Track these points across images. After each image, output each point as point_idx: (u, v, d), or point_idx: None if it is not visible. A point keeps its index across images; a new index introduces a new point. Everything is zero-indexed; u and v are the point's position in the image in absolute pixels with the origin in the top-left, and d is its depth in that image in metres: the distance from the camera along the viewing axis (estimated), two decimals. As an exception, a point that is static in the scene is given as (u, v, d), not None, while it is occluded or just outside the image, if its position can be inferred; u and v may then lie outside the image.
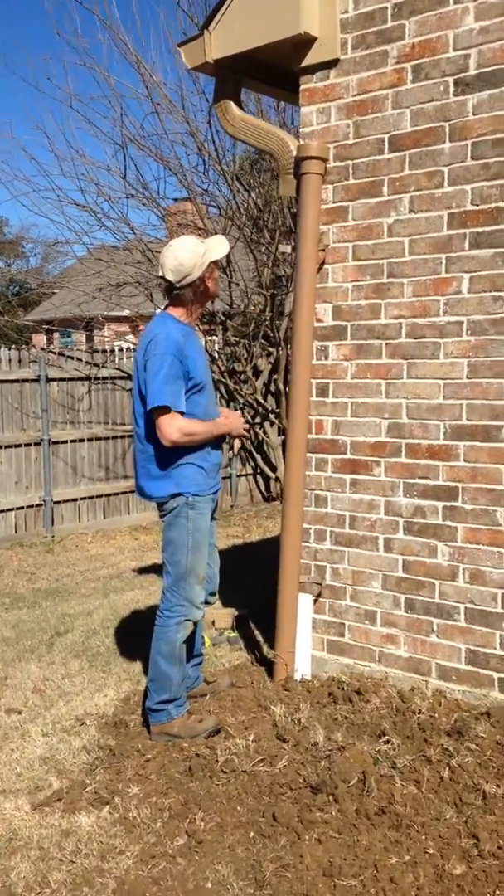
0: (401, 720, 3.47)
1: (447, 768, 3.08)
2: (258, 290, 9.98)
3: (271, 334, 10.50)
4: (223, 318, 10.77)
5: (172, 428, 3.35)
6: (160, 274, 3.49)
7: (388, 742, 3.28)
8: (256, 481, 11.96)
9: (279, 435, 10.75)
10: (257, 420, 10.68)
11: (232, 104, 4.16)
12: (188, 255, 3.43)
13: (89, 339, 17.35)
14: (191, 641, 3.76)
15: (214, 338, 11.14)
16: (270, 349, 10.53)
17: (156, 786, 3.23)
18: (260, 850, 2.79)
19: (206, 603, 3.81)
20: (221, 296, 10.63)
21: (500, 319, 3.52)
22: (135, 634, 5.16)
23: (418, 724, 3.42)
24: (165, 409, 3.34)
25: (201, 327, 11.72)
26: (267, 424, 10.63)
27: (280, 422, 10.48)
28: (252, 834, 2.88)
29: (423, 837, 2.74)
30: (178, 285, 3.46)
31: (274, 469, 10.74)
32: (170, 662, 3.59)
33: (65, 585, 7.30)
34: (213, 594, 3.91)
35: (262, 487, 11.33)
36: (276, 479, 10.81)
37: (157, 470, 3.52)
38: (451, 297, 3.66)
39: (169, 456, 3.49)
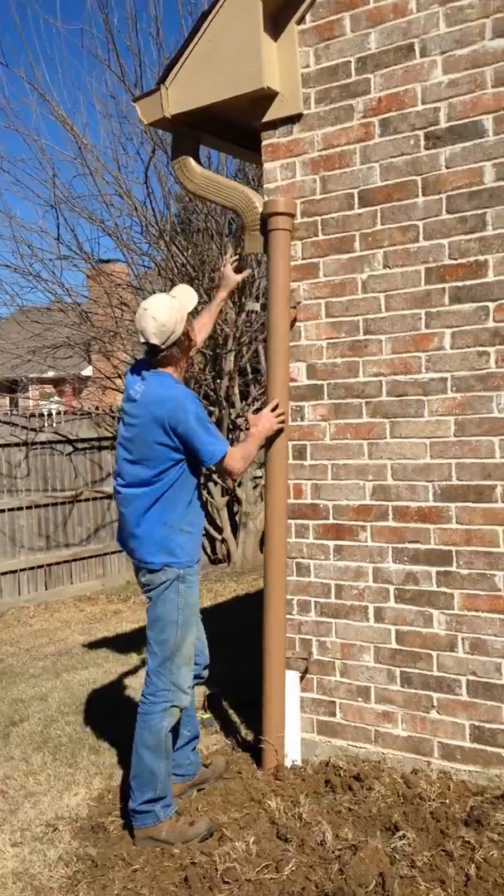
0: (411, 810, 3.21)
1: (472, 864, 2.83)
2: (197, 350, 9.82)
3: (212, 394, 10.34)
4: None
5: (235, 461, 3.34)
6: (142, 340, 3.32)
7: (402, 837, 3.01)
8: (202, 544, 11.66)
9: (223, 495, 10.52)
10: (200, 480, 10.44)
11: (191, 160, 4.01)
12: (167, 313, 3.26)
13: (14, 402, 16.90)
14: (180, 723, 3.45)
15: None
16: (211, 408, 10.36)
17: (149, 904, 2.88)
18: None
19: (199, 678, 3.57)
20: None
21: (487, 375, 3.40)
22: (98, 721, 4.78)
23: (431, 814, 3.16)
24: (224, 457, 3.30)
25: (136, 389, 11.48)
26: (211, 484, 10.40)
27: (223, 481, 10.26)
28: None
29: None
30: (163, 347, 3.29)
31: (220, 530, 10.47)
32: (155, 755, 3.27)
33: (11, 666, 6.82)
34: (205, 668, 3.65)
35: (208, 549, 11.02)
36: (222, 540, 10.54)
37: (147, 533, 3.31)
38: (434, 353, 3.53)
39: (161, 520, 3.29)
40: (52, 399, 18.37)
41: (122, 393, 11.57)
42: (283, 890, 2.83)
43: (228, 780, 3.66)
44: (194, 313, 3.53)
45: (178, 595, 3.30)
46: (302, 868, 2.93)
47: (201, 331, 3.87)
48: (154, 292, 10.20)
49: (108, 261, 11.30)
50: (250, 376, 10.69)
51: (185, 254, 9.91)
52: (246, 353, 10.07)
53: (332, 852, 3.00)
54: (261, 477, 10.63)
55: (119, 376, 10.70)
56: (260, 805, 3.40)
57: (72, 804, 3.68)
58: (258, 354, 10.34)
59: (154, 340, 3.27)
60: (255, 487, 10.57)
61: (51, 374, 17.81)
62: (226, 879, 2.90)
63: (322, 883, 2.83)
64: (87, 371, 16.60)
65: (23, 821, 3.56)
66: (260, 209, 3.80)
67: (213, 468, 3.36)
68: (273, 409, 3.69)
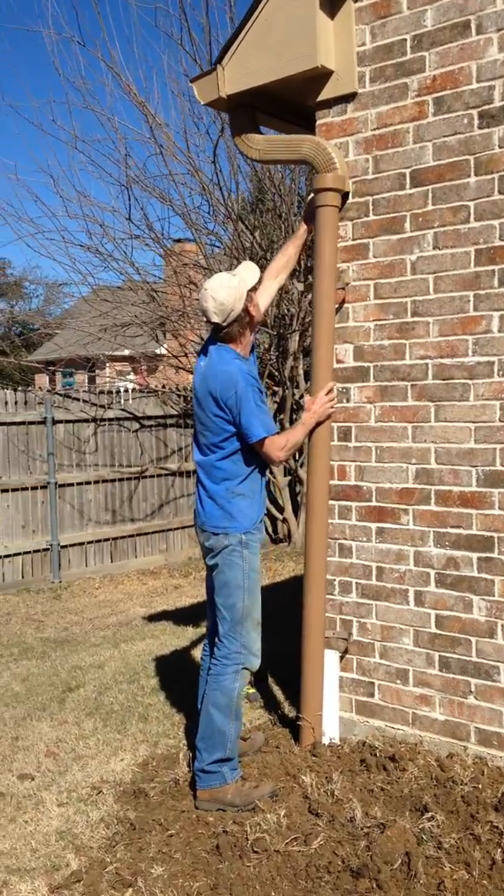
0: (443, 792, 3.22)
1: (499, 849, 2.83)
2: (263, 330, 9.84)
3: (276, 374, 10.36)
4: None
5: (276, 449, 3.40)
6: (205, 320, 3.45)
7: (431, 818, 3.03)
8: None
9: (285, 475, 10.56)
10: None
11: (252, 134, 4.02)
12: (226, 292, 3.35)
13: (91, 379, 17.25)
14: None
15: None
16: (276, 388, 10.39)
17: (181, 866, 2.98)
18: None
19: None
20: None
21: (535, 359, 3.34)
22: (149, 690, 4.92)
23: (462, 797, 3.17)
24: (264, 439, 3.36)
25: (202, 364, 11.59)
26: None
27: (287, 462, 10.29)
28: (289, 927, 2.63)
29: (480, 932, 2.49)
30: (224, 324, 3.39)
31: (281, 510, 10.53)
32: (225, 715, 3.38)
33: (74, 634, 7.05)
34: None
35: (269, 529, 11.09)
36: (283, 520, 10.60)
37: (210, 499, 3.46)
38: (481, 336, 3.48)
39: (224, 488, 3.43)
40: (126, 377, 18.68)
41: (191, 373, 11.69)
42: (309, 863, 2.88)
43: (266, 753, 3.73)
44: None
45: (243, 560, 3.42)
46: (330, 843, 2.98)
47: (283, 269, 3.90)
48: (220, 272, 10.26)
49: (180, 240, 11.41)
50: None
51: (254, 234, 9.92)
52: (310, 334, 10.04)
53: (361, 829, 3.04)
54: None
55: (185, 355, 10.82)
56: (294, 780, 3.46)
57: (117, 769, 3.81)
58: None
59: (215, 319, 3.38)
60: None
61: (126, 352, 18.11)
62: (255, 849, 2.97)
63: (348, 858, 2.88)
64: (162, 350, 16.85)
65: (70, 782, 3.71)
66: (331, 152, 3.73)
67: (258, 450, 3.42)
68: (327, 393, 3.71)
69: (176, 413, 10.39)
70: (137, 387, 11.40)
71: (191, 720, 4.35)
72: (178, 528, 10.47)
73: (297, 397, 10.27)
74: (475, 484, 3.52)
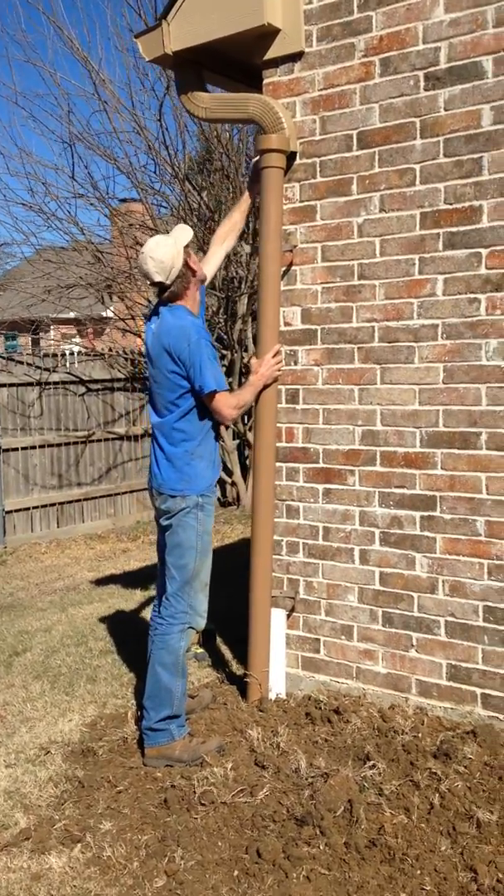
0: (384, 742, 3.33)
1: (437, 794, 2.95)
2: (211, 292, 9.79)
3: (225, 337, 10.34)
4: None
5: (228, 407, 3.42)
6: (150, 282, 3.49)
7: (373, 767, 3.13)
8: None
9: (234, 439, 10.59)
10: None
11: (198, 92, 3.97)
12: (162, 250, 3.40)
13: (35, 342, 16.96)
14: None
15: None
16: (224, 352, 10.37)
17: (130, 821, 3.03)
18: (245, 891, 2.61)
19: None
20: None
21: (477, 322, 3.41)
22: (97, 653, 4.95)
23: (402, 746, 3.28)
24: (214, 393, 3.36)
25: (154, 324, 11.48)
26: (222, 428, 10.45)
27: (235, 425, 10.32)
28: (236, 872, 2.70)
29: (419, 872, 2.60)
30: (169, 282, 3.42)
31: (230, 474, 10.57)
32: (172, 673, 3.44)
33: (20, 599, 7.02)
34: None
35: (218, 492, 11.13)
36: (232, 483, 10.65)
37: (166, 461, 3.48)
38: (426, 299, 3.53)
39: (182, 450, 3.46)
40: (72, 340, 18.41)
41: (138, 336, 11.55)
42: (255, 813, 2.96)
43: (214, 710, 3.80)
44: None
45: (198, 522, 3.46)
46: (275, 793, 3.06)
47: (229, 233, 3.96)
48: (167, 233, 10.14)
49: (125, 200, 11.23)
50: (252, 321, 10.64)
51: (201, 195, 9.81)
52: (242, 301, 10.00)
53: (305, 779, 3.13)
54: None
55: (133, 318, 10.72)
56: (241, 734, 3.53)
57: (65, 729, 3.84)
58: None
59: (158, 278, 3.43)
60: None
61: (72, 314, 17.83)
62: (202, 802, 3.04)
63: (293, 807, 2.96)
64: (109, 313, 16.62)
65: (18, 744, 3.73)
66: (279, 111, 3.72)
67: (208, 404, 3.43)
68: (274, 356, 3.73)
69: (123, 377, 10.31)
70: (84, 350, 11.25)
71: (139, 681, 4.40)
72: (125, 493, 10.45)
73: (245, 360, 10.26)
74: (419, 445, 3.59)
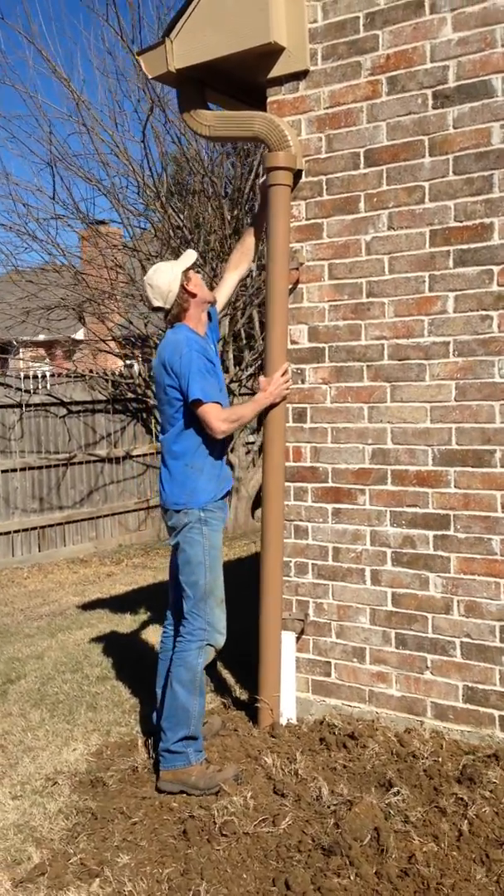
0: (405, 767, 3.26)
1: (465, 820, 2.88)
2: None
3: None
4: (157, 342, 10.51)
5: (217, 420, 3.37)
6: (149, 307, 3.62)
7: (397, 793, 3.05)
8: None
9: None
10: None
11: (201, 110, 3.94)
12: (158, 276, 3.50)
13: (3, 363, 16.76)
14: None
15: (133, 365, 10.84)
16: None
17: (148, 853, 2.93)
18: (276, 927, 2.52)
19: None
20: (156, 320, 10.38)
21: (489, 339, 3.39)
22: (94, 679, 4.83)
23: (424, 771, 3.21)
24: (200, 403, 3.34)
25: (135, 353, 11.44)
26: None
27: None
28: (265, 908, 2.61)
29: (456, 902, 2.53)
30: (168, 306, 3.50)
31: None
32: (190, 692, 3.37)
33: (6, 625, 6.85)
34: None
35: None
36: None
37: (169, 476, 3.49)
38: (436, 316, 3.51)
39: (182, 464, 3.45)
40: (44, 362, 18.24)
41: (118, 357, 11.43)
42: (280, 843, 2.87)
43: (225, 737, 3.70)
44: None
45: (203, 537, 3.43)
46: (298, 822, 2.97)
47: (242, 258, 3.98)
48: (149, 254, 10.14)
49: (102, 222, 11.19)
50: (244, 342, 10.64)
51: (181, 216, 9.80)
52: (241, 318, 10.01)
53: (328, 807, 3.05)
54: (253, 442, 10.64)
55: (113, 339, 10.64)
56: (256, 761, 3.44)
57: (70, 759, 3.72)
58: (252, 320, 10.28)
59: (156, 303, 3.53)
60: (247, 453, 10.58)
61: (41, 337, 17.65)
62: (224, 832, 2.94)
63: (318, 836, 2.88)
64: (79, 334, 16.49)
65: (22, 775, 3.60)
66: (284, 129, 3.70)
67: (199, 416, 3.39)
68: (282, 375, 3.71)
69: (104, 398, 10.20)
70: (60, 372, 11.13)
71: (142, 707, 4.29)
72: (107, 515, 10.31)
73: (226, 382, 10.22)
74: (431, 463, 3.56)
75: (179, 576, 3.48)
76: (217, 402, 3.38)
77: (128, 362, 12.27)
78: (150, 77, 3.97)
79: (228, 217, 9.63)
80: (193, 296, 3.50)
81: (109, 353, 11.43)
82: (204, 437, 3.44)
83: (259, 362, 10.68)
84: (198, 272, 3.57)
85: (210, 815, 3.04)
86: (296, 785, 3.22)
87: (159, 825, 3.09)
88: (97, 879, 2.80)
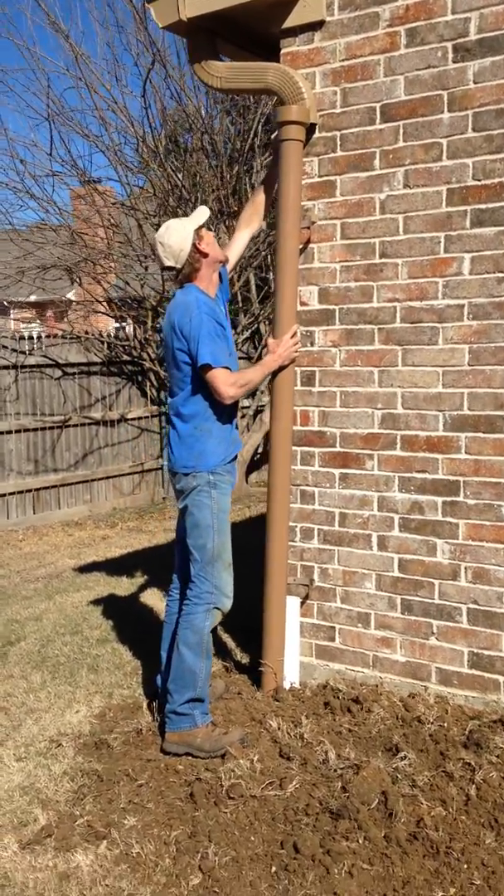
0: (411, 732, 3.26)
1: (472, 785, 2.88)
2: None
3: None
4: (154, 304, 10.38)
5: (225, 384, 3.30)
6: (161, 267, 3.50)
7: (403, 758, 3.05)
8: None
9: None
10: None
11: (212, 61, 3.81)
12: (170, 234, 3.40)
13: (-5, 323, 16.57)
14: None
15: (126, 325, 10.71)
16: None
17: (155, 815, 2.92)
18: (287, 888, 2.52)
19: None
20: (152, 281, 10.24)
21: (505, 303, 3.33)
22: (94, 641, 4.81)
23: (430, 736, 3.21)
24: (209, 368, 3.27)
25: (129, 314, 11.30)
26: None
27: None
28: (274, 868, 2.61)
29: (466, 867, 2.52)
30: (179, 266, 3.40)
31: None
32: (196, 654, 3.35)
33: (3, 587, 6.82)
34: None
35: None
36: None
37: (178, 439, 3.44)
38: (451, 278, 3.44)
39: (192, 426, 3.41)
40: (31, 323, 18.02)
41: (112, 318, 11.28)
42: (287, 806, 2.87)
43: (229, 700, 3.69)
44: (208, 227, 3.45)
45: (212, 500, 3.39)
46: (305, 786, 2.97)
47: (253, 216, 3.88)
48: (147, 213, 9.97)
49: (97, 180, 10.97)
50: (240, 305, 10.51)
51: (178, 175, 9.62)
52: (237, 282, 9.87)
53: (335, 771, 3.04)
54: (248, 407, 10.57)
55: (109, 301, 10.50)
56: (261, 725, 3.43)
57: (73, 721, 3.70)
58: (248, 283, 10.14)
59: (168, 262, 3.43)
60: (241, 417, 10.51)
61: (33, 297, 17.40)
62: (231, 795, 2.93)
63: (325, 800, 2.87)
64: (71, 295, 16.28)
65: (26, 737, 3.59)
66: (299, 81, 3.59)
67: (206, 380, 3.33)
68: (291, 337, 3.63)
69: (100, 360, 10.08)
70: (54, 333, 10.98)
71: (144, 670, 4.28)
72: (102, 479, 10.24)
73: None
74: (442, 428, 3.51)
75: (187, 539, 3.44)
76: (226, 367, 3.31)
77: (120, 324, 12.12)
78: (161, 26, 3.83)
79: (227, 176, 9.46)
80: (205, 255, 3.40)
81: (105, 314, 11.28)
82: (212, 401, 3.37)
83: (255, 326, 10.56)
84: (210, 230, 3.47)
85: (217, 778, 3.03)
86: (302, 748, 3.21)
87: (165, 787, 3.08)
88: (104, 841, 2.79)
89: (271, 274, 10.11)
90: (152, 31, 8.90)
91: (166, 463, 3.50)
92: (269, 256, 9.94)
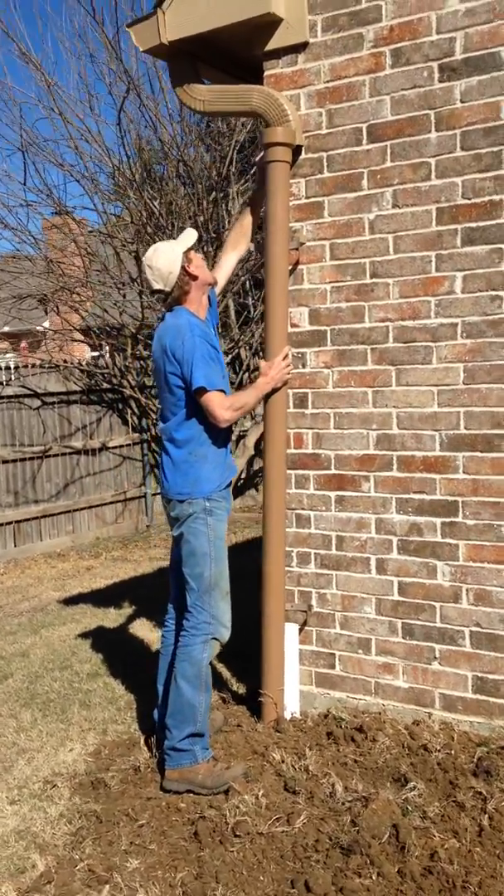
0: (418, 761, 3.17)
1: (485, 815, 2.79)
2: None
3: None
4: (133, 331, 10.31)
5: (221, 408, 3.24)
6: (150, 290, 3.46)
7: (413, 788, 2.96)
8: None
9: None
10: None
11: (195, 84, 3.78)
12: (158, 257, 3.34)
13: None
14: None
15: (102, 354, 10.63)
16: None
17: (159, 857, 2.80)
18: (300, 932, 2.41)
19: None
20: (131, 308, 10.19)
21: (499, 320, 3.30)
22: (85, 676, 4.68)
23: (438, 764, 3.13)
24: (203, 391, 3.21)
25: (108, 342, 11.23)
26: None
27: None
28: (285, 911, 2.50)
29: (486, 900, 2.44)
30: (168, 289, 3.34)
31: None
32: (195, 687, 3.24)
33: (-15, 623, 6.66)
34: None
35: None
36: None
37: (172, 465, 3.35)
38: (444, 297, 3.41)
39: (186, 452, 3.32)
40: (6, 354, 17.89)
41: (90, 346, 11.16)
42: (295, 843, 2.77)
43: (228, 733, 3.58)
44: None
45: (208, 527, 3.30)
46: (313, 821, 2.87)
47: (240, 238, 3.83)
48: (124, 240, 9.93)
49: (72, 209, 10.92)
50: (220, 331, 10.47)
51: (154, 203, 9.60)
52: (219, 306, 9.84)
53: (343, 804, 2.94)
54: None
55: (87, 329, 10.42)
56: (264, 758, 3.33)
57: (68, 760, 3.58)
58: (227, 309, 10.11)
59: (157, 286, 3.37)
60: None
61: (6, 328, 17.29)
62: (237, 833, 2.83)
63: (335, 835, 2.78)
64: (46, 324, 16.19)
65: (19, 778, 3.45)
66: (284, 103, 3.57)
67: (201, 403, 3.26)
68: (283, 358, 3.58)
69: (79, 389, 9.98)
70: (31, 363, 10.87)
71: (138, 704, 4.16)
72: (84, 508, 10.10)
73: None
74: (438, 448, 3.46)
75: (183, 567, 3.35)
76: (220, 390, 3.25)
77: (99, 353, 12.05)
78: (142, 50, 3.81)
79: (204, 203, 9.46)
80: (195, 278, 3.35)
81: (83, 342, 11.19)
82: (207, 425, 3.31)
83: (235, 351, 10.52)
84: (198, 252, 3.42)
85: (221, 816, 2.92)
86: (307, 781, 3.11)
87: (168, 827, 2.96)
88: (107, 886, 2.67)
89: (250, 299, 10.11)
90: (125, 60, 8.93)
91: (151, 490, 3.41)
92: (247, 282, 9.94)
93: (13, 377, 9.42)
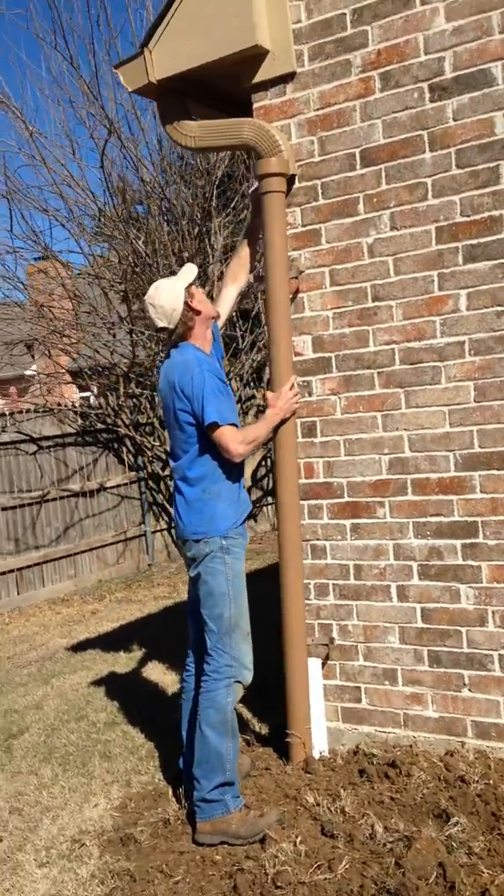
0: (458, 794, 3.06)
1: (535, 845, 2.69)
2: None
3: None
4: (125, 370, 10.28)
5: (234, 442, 3.18)
6: (154, 329, 3.40)
7: (455, 824, 2.85)
8: (172, 536, 11.40)
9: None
10: (167, 472, 10.19)
11: (184, 121, 3.76)
12: (161, 294, 3.31)
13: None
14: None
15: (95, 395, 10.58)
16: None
17: (197, 916, 2.68)
18: None
19: None
20: (121, 348, 10.16)
21: (507, 336, 3.26)
22: (102, 726, 4.54)
23: (478, 796, 3.02)
24: (216, 426, 3.15)
25: (100, 382, 11.20)
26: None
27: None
28: None
29: (548, 939, 2.33)
30: (172, 326, 3.29)
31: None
32: (221, 734, 3.13)
33: (-6, 675, 6.52)
34: None
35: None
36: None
37: (186, 504, 3.27)
38: (449, 316, 3.37)
39: (199, 490, 3.25)
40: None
41: (81, 388, 11.13)
42: (339, 890, 2.65)
43: (257, 777, 3.46)
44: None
45: (226, 566, 3.22)
46: (356, 865, 2.75)
47: (239, 270, 3.78)
48: (112, 280, 9.93)
49: (59, 253, 10.93)
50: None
51: (138, 242, 9.63)
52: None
53: (384, 845, 2.83)
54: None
55: (78, 371, 10.39)
56: (297, 801, 3.21)
57: (94, 816, 3.44)
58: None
59: (161, 324, 3.32)
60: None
61: (-1, 374, 17.24)
62: (278, 884, 2.70)
63: (380, 879, 2.66)
64: (34, 367, 16.18)
65: (45, 839, 3.32)
66: (275, 134, 3.54)
67: (213, 439, 3.20)
68: (290, 388, 3.54)
69: (74, 431, 9.91)
70: (23, 408, 10.80)
71: (160, 752, 4.03)
72: (85, 551, 9.98)
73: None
74: (454, 469, 3.40)
75: (201, 609, 3.25)
76: (233, 424, 3.19)
77: (86, 394, 12.01)
78: (130, 90, 3.79)
79: (188, 240, 9.48)
80: (198, 313, 3.31)
81: (73, 384, 11.16)
82: (221, 461, 3.24)
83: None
84: (199, 287, 3.37)
85: (260, 866, 2.80)
86: (344, 824, 2.99)
87: (205, 882, 2.84)
88: None
89: (238, 331, 10.10)
90: (104, 103, 9.01)
91: (151, 528, 3.32)
92: (234, 314, 9.93)
93: (8, 423, 9.34)
